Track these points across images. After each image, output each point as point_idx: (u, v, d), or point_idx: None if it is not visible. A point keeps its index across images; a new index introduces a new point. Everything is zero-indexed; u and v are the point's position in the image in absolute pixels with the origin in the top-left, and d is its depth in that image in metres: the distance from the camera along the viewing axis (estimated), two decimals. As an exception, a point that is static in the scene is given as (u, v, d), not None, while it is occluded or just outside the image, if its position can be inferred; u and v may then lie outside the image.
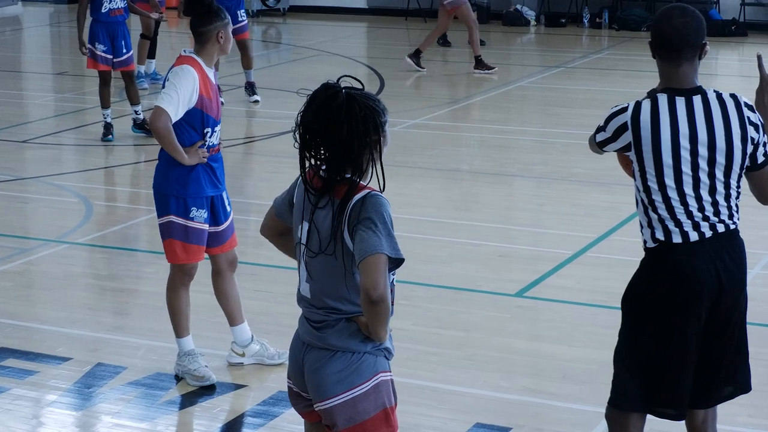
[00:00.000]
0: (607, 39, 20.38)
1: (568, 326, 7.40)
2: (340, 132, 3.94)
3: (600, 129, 4.74)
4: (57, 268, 8.73)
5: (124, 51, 12.32)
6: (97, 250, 9.08)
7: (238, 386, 6.57)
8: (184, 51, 6.49)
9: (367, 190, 3.99)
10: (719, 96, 4.62)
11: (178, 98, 6.33)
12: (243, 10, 14.45)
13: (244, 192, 11.07)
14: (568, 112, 13.85)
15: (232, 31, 15.69)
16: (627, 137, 4.59)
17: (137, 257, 8.94)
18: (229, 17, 6.54)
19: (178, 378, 6.65)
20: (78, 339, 7.32)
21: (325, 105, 3.95)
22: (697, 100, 4.58)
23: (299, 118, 4.00)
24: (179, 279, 6.68)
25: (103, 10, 12.22)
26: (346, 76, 4.07)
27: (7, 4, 23.46)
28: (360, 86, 4.06)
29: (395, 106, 13.92)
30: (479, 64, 16.62)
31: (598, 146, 4.77)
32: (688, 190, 4.55)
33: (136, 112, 12.72)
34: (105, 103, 12.51)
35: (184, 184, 6.49)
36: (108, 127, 12.52)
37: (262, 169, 11.62)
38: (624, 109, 4.62)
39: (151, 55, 15.67)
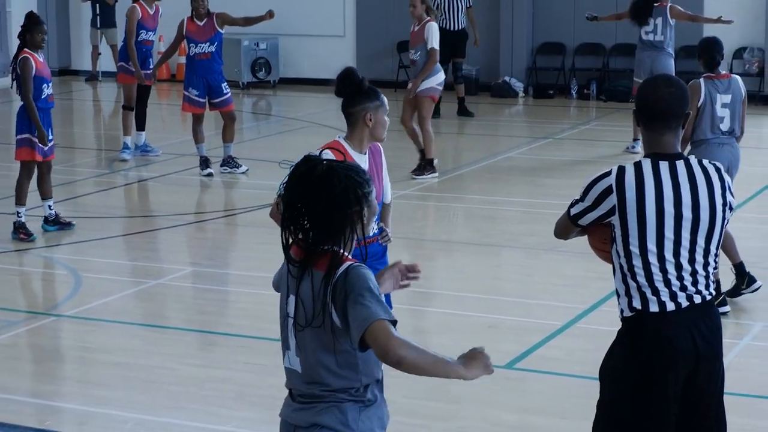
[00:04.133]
0: (595, 110, 20.52)
1: (558, 398, 7.39)
2: (319, 204, 3.98)
3: (576, 202, 4.78)
4: (46, 340, 8.72)
5: (51, 138, 11.39)
6: (86, 323, 9.06)
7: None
8: (339, 135, 6.21)
9: (348, 263, 4.01)
10: (700, 162, 4.70)
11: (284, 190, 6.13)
12: (226, 83, 14.53)
13: (233, 264, 11.08)
14: (555, 183, 13.92)
15: (217, 103, 15.70)
16: (611, 200, 4.63)
17: (126, 330, 8.92)
18: (384, 99, 6.15)
19: None
20: (67, 412, 7.30)
21: (304, 177, 4.00)
22: (680, 164, 4.66)
23: (280, 191, 4.06)
24: None
25: (42, 96, 11.27)
26: (327, 147, 4.12)
27: (-1, 77, 23.55)
28: (341, 158, 4.11)
29: (384, 177, 13.94)
30: None
31: (572, 220, 4.80)
32: (669, 255, 4.59)
33: (49, 207, 11.70)
34: (24, 198, 11.41)
35: None
36: (24, 227, 11.39)
37: (251, 240, 11.64)
38: (607, 174, 4.68)
39: (141, 127, 15.73)
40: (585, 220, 4.77)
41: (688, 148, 9.03)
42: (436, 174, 14.26)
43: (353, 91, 6.07)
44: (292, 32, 23.24)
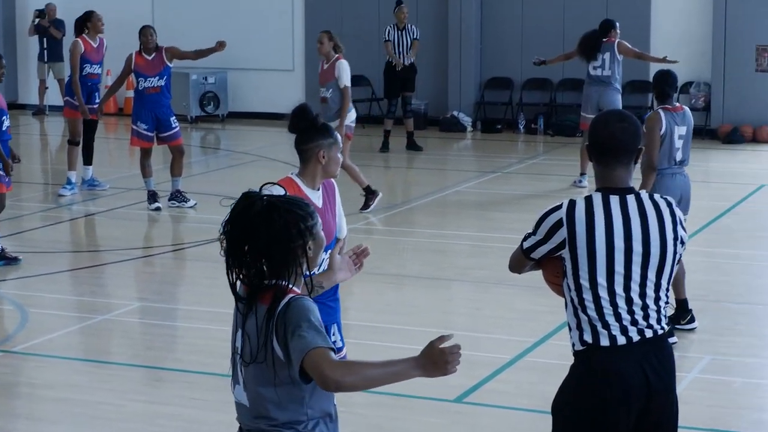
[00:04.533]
0: (542, 144, 20.64)
1: (508, 431, 7.39)
2: (259, 240, 3.97)
3: (528, 235, 4.79)
4: (-9, 377, 8.61)
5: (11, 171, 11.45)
6: (33, 359, 8.96)
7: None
8: (291, 172, 6.11)
9: (290, 296, 4.00)
10: (651, 197, 4.72)
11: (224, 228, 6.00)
12: (174, 117, 14.48)
13: (181, 299, 11.01)
14: (505, 217, 13.97)
15: (166, 137, 15.58)
16: (562, 234, 4.65)
17: (74, 365, 8.83)
18: (337, 136, 6.06)
19: None
20: (12, 449, 7.20)
21: (242, 214, 4.00)
22: (630, 199, 4.67)
23: (222, 228, 4.04)
24: None
25: (3, 128, 11.29)
26: (268, 183, 4.13)
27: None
28: (282, 192, 4.11)
29: (333, 211, 13.91)
30: None
31: (525, 254, 4.81)
32: (619, 289, 4.61)
33: None
34: None
35: None
36: None
37: (199, 274, 11.57)
38: (558, 207, 4.70)
39: (88, 161, 15.63)
40: (537, 254, 4.78)
41: (654, 176, 9.12)
42: (380, 195, 14.27)
43: (307, 128, 6.00)
44: (241, 66, 23.24)
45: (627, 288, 4.61)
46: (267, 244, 3.98)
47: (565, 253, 4.66)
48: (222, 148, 21.19)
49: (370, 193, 14.17)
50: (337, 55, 13.99)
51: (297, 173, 6.06)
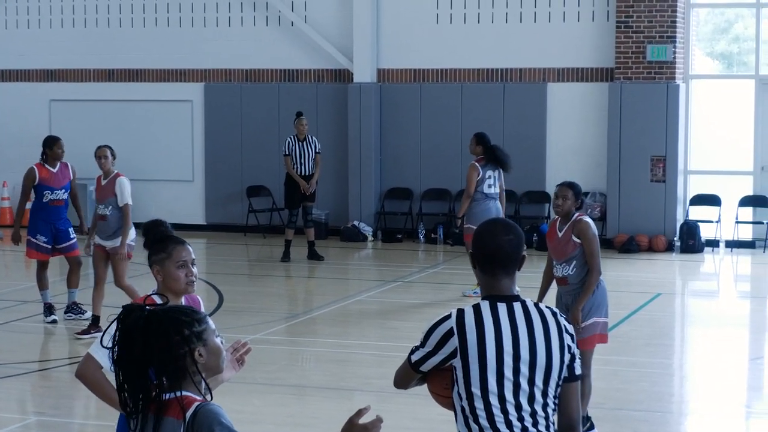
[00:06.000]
0: (442, 254, 20.78)
1: None
2: (134, 350, 3.92)
3: (416, 348, 4.79)
4: None
5: None
6: None
7: None
8: (152, 290, 5.79)
9: (196, 404, 3.95)
10: (536, 305, 4.77)
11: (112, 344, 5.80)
12: (72, 228, 14.34)
13: (78, 413, 10.82)
14: (406, 326, 13.98)
15: (63, 249, 15.19)
16: (453, 343, 4.66)
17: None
18: (173, 250, 5.69)
19: None
20: None
21: (128, 329, 3.95)
22: (517, 306, 4.72)
23: (111, 346, 4.01)
24: None
25: None
26: (154, 293, 4.10)
27: None
28: (164, 301, 4.09)
29: (234, 321, 13.86)
30: None
31: (414, 367, 4.81)
32: (509, 396, 4.62)
33: None
34: None
35: None
36: None
37: (98, 388, 11.37)
38: (447, 317, 4.72)
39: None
40: (427, 366, 4.77)
41: (601, 275, 9.53)
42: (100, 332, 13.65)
43: (148, 245, 5.82)
44: (141, 177, 23.12)
45: (516, 394, 4.63)
46: (151, 354, 3.93)
47: (456, 362, 4.66)
48: (121, 259, 20.97)
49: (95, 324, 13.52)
50: (116, 172, 13.68)
51: (155, 291, 5.79)
